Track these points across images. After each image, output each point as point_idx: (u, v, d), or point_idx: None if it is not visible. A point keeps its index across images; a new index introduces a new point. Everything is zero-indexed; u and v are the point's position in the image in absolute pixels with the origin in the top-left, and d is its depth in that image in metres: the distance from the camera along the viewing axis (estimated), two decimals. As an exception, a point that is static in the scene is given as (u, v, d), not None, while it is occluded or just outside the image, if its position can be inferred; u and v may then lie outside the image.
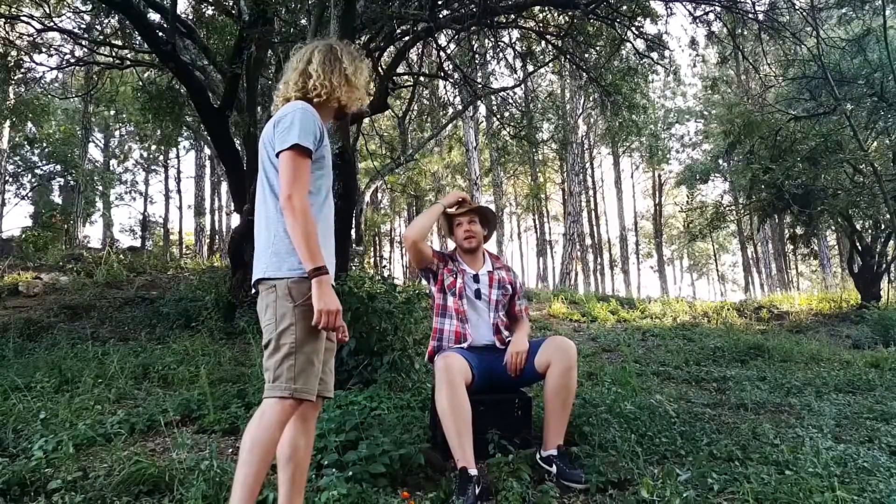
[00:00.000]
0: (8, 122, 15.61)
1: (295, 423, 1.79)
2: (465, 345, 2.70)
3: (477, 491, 2.18)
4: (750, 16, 7.83)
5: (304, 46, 1.97)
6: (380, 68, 8.04)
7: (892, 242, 11.40)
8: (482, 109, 14.47)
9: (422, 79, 11.67)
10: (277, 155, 1.73)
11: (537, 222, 28.03)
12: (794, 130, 10.75)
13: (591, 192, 27.61)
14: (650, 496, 2.11)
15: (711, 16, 8.17)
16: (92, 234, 23.49)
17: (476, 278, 2.82)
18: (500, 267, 2.93)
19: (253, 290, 1.84)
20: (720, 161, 15.33)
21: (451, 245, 3.05)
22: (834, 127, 10.16)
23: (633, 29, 8.18)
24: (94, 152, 22.73)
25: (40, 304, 7.90)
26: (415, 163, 16.68)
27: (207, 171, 21.81)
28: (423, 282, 2.94)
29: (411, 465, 2.35)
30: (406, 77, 10.56)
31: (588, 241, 25.68)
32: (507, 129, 11.41)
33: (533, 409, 2.81)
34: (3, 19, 8.97)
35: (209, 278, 9.27)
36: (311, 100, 1.86)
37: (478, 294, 2.79)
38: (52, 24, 9.21)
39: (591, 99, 13.64)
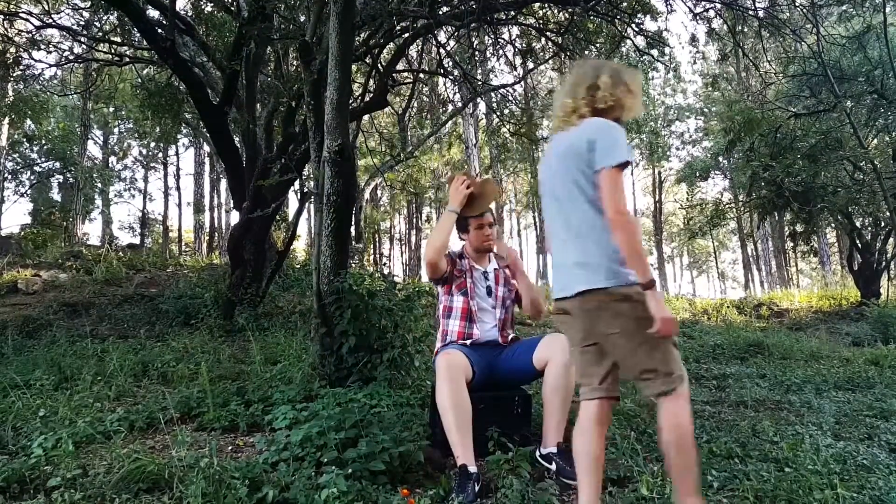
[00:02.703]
0: (7, 119, 15.61)
1: (597, 426, 1.89)
2: (468, 341, 2.70)
3: (476, 488, 2.19)
4: (750, 13, 7.81)
5: (581, 65, 2.15)
6: (379, 65, 8.01)
7: (891, 240, 11.41)
8: (482, 106, 14.43)
9: (421, 76, 11.62)
10: (598, 171, 1.82)
11: (537, 220, 28.01)
12: (795, 128, 10.75)
13: (590, 190, 27.51)
14: (650, 493, 2.11)
15: (711, 13, 8.15)
16: (91, 231, 23.46)
17: (486, 275, 2.84)
18: (505, 265, 2.92)
19: (571, 296, 1.86)
20: (720, 158, 15.34)
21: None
22: (834, 124, 10.16)
23: (633, 26, 8.15)
24: (93, 149, 22.67)
25: (39, 302, 7.89)
26: (414, 160, 16.62)
27: (207, 168, 21.76)
28: (435, 286, 2.89)
29: (411, 463, 2.35)
30: (406, 74, 10.51)
31: (588, 238, 25.60)
32: (507, 126, 11.37)
33: (532, 406, 2.81)
34: (2, 16, 8.94)
35: (208, 276, 9.27)
36: (600, 109, 1.94)
37: (489, 291, 2.81)
38: (50, 20, 9.17)
39: (590, 96, 13.56)
